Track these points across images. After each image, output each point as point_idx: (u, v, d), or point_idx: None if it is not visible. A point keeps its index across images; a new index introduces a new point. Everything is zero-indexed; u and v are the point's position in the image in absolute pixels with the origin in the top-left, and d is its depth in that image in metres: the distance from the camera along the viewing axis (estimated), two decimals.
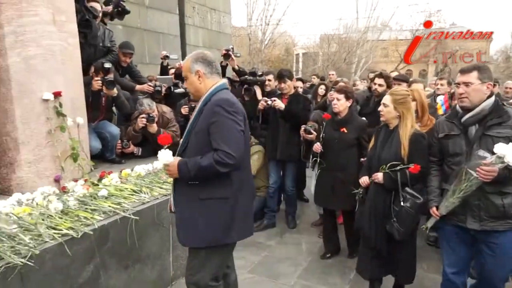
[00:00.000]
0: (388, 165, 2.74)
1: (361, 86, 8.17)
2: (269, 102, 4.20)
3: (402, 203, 2.67)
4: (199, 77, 2.19)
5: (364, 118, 3.83)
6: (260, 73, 4.59)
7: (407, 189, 2.69)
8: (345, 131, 3.57)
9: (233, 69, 4.79)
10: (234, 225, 2.15)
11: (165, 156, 2.09)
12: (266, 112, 4.35)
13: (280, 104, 4.17)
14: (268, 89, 4.53)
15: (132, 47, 4.51)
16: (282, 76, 4.26)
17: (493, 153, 2.16)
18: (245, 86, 4.47)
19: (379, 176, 2.80)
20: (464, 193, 2.27)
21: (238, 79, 4.82)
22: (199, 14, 9.57)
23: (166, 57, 5.00)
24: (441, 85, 4.82)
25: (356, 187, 3.13)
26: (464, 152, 2.35)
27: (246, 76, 4.52)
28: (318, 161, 3.64)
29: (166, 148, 2.13)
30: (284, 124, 4.24)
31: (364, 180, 2.98)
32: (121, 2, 4.34)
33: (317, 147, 3.62)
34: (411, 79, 5.17)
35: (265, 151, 4.57)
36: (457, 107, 2.45)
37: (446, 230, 2.54)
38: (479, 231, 2.33)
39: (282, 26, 25.20)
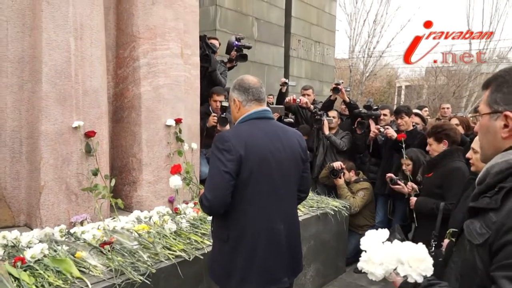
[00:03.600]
0: (450, 231, 2.11)
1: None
2: (382, 130, 4.05)
3: None
4: (236, 106, 2.00)
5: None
6: (375, 107, 4.44)
7: None
8: (430, 176, 3.05)
9: (344, 101, 4.71)
10: (235, 272, 1.88)
11: (175, 182, 2.22)
12: (378, 144, 4.16)
13: (392, 132, 3.97)
14: (382, 123, 4.36)
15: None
16: (399, 111, 4.09)
17: None
18: (359, 119, 4.35)
19: (444, 243, 2.16)
20: None
21: (346, 112, 4.72)
22: (303, 46, 9.77)
23: (285, 83, 5.11)
24: None
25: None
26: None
27: (360, 109, 4.42)
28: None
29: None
30: (398, 157, 4.00)
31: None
32: (242, 46, 4.44)
33: (409, 188, 3.26)
34: None
35: (372, 188, 4.34)
36: None
37: None
38: None
39: (385, 58, 24.51)
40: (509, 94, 1.05)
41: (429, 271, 1.20)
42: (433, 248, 2.58)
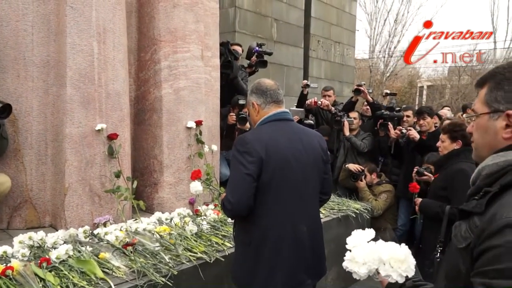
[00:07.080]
0: None
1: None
2: (404, 131, 3.99)
3: None
4: (255, 109, 2.00)
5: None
6: (397, 108, 4.37)
7: None
8: (436, 177, 2.96)
9: (367, 101, 4.64)
10: (258, 275, 1.87)
11: (195, 187, 2.23)
12: (400, 147, 4.09)
13: (415, 133, 3.91)
14: (405, 125, 4.29)
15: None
16: (421, 112, 4.02)
17: None
18: (381, 121, 4.29)
19: None
20: None
21: (367, 113, 4.65)
22: (323, 47, 9.68)
23: (307, 85, 5.07)
24: None
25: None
26: None
27: (383, 111, 4.35)
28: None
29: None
30: (420, 159, 3.92)
31: None
32: (262, 52, 4.43)
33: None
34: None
35: (395, 191, 4.26)
36: None
37: None
38: None
39: None
40: (510, 92, 0.99)
41: (410, 272, 1.20)
42: (438, 254, 2.41)
